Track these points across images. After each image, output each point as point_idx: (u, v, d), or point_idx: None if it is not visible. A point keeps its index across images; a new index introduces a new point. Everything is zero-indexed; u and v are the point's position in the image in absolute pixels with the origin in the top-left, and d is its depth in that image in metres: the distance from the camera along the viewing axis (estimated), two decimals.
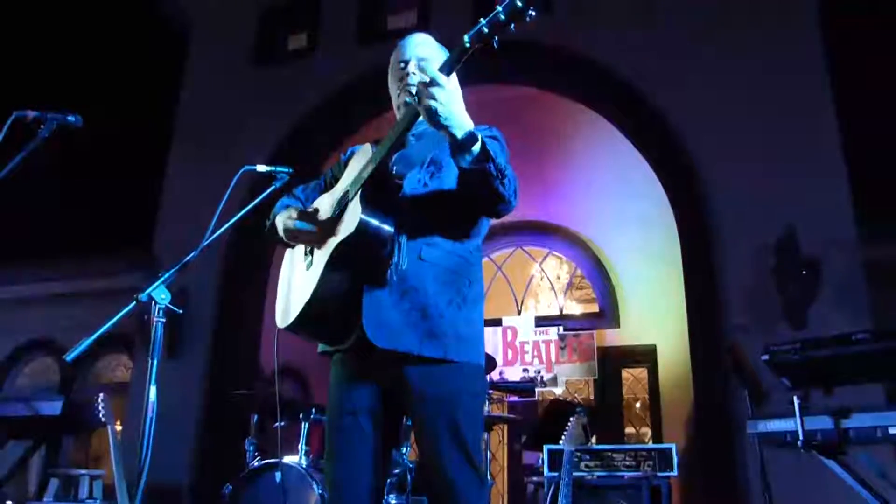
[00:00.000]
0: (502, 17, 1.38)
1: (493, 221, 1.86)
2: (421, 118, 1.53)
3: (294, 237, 1.74)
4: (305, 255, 1.77)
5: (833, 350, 2.46)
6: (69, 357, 1.64)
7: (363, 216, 1.55)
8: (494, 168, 1.53)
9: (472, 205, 1.69)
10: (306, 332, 1.74)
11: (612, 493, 3.59)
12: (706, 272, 4.95)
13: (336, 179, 1.86)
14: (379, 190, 1.61)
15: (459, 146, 1.49)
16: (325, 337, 1.75)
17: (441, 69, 1.48)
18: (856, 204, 4.70)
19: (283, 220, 1.75)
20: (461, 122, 1.48)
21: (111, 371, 8.01)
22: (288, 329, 1.72)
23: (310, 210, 1.76)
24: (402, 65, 1.83)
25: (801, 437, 2.38)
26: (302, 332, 1.73)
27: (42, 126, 1.94)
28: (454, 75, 1.57)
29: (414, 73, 1.79)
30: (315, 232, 1.68)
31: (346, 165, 1.84)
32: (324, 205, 1.77)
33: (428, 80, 1.46)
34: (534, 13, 1.37)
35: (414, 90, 1.49)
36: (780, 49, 5.11)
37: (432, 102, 1.44)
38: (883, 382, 3.80)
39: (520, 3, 1.36)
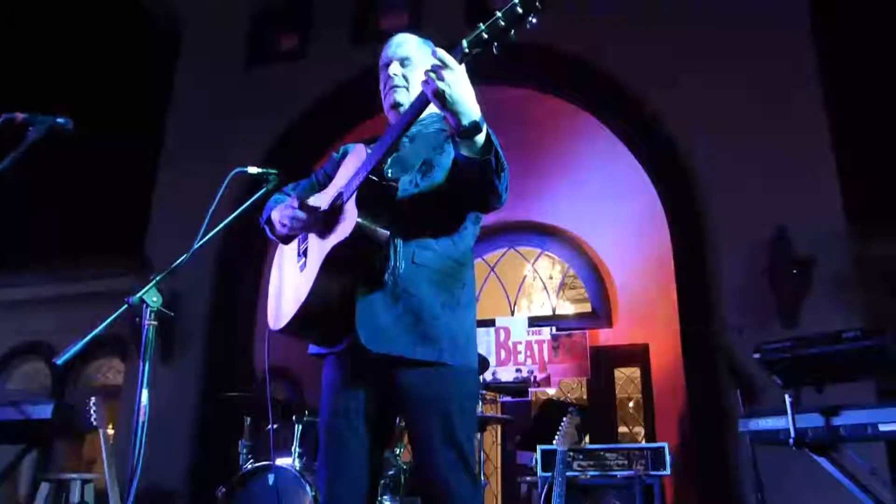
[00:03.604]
0: (502, 22, 1.36)
1: (485, 222, 1.85)
2: (416, 119, 1.52)
3: (293, 225, 1.71)
4: (298, 256, 1.76)
5: (824, 348, 2.48)
6: (60, 360, 1.64)
7: (360, 220, 1.54)
8: (496, 161, 1.51)
9: (461, 201, 1.67)
10: (300, 334, 1.74)
11: (605, 493, 3.60)
12: (698, 271, 4.97)
13: (329, 178, 1.85)
14: (374, 193, 1.61)
15: (464, 134, 1.46)
16: (319, 339, 1.75)
17: None
18: (847, 202, 4.73)
19: (286, 206, 1.74)
20: (470, 108, 1.44)
21: (103, 374, 7.96)
22: (281, 331, 1.72)
23: (310, 204, 1.74)
24: (384, 67, 1.85)
25: (792, 435, 2.40)
26: (295, 334, 1.73)
27: (31, 129, 1.92)
28: (464, 65, 1.56)
29: (395, 75, 1.81)
30: (311, 222, 1.68)
31: (338, 164, 1.83)
32: (319, 203, 1.76)
33: (440, 63, 1.42)
34: (534, 20, 1.35)
35: (413, 80, 1.46)
36: (773, 50, 5.14)
37: (442, 85, 1.40)
38: (873, 380, 3.82)
39: (520, 10, 1.35)
